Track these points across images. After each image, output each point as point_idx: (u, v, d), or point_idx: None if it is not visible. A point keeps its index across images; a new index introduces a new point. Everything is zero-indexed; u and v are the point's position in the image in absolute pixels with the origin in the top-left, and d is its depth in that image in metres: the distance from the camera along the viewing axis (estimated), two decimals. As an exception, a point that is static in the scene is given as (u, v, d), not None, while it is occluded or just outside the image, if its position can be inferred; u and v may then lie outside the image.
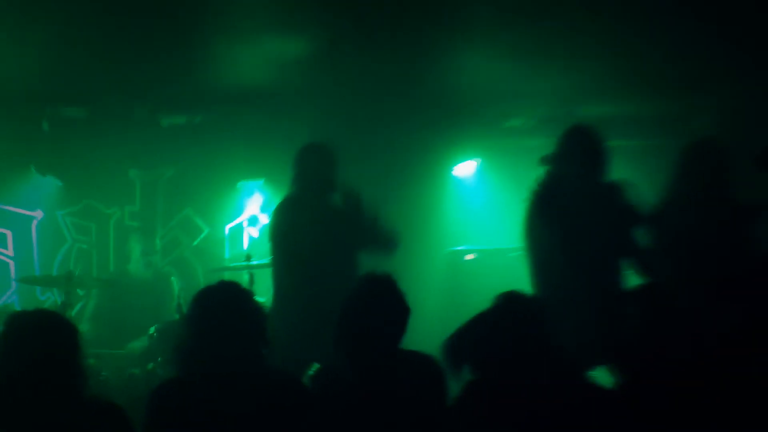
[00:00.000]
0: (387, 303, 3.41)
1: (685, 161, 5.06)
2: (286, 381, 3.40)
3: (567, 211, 4.69)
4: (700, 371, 3.20)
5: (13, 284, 7.63)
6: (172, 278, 7.65)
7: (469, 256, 7.90)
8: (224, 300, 3.35)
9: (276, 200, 7.61)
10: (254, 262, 6.53)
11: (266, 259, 6.65)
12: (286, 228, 5.25)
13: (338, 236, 5.14)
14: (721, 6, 5.29)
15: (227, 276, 6.74)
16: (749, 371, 3.10)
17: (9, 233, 7.82)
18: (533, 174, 5.02)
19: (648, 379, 3.23)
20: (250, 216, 8.27)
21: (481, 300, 3.31)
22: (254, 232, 8.24)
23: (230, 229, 8.30)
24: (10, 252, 7.82)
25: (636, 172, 4.92)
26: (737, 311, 3.41)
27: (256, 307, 3.42)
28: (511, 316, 3.30)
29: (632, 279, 4.60)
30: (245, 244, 8.13)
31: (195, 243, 8.22)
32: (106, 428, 3.05)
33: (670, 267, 4.68)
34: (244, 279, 6.26)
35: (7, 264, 7.78)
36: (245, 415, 3.14)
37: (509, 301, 3.34)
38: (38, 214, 7.87)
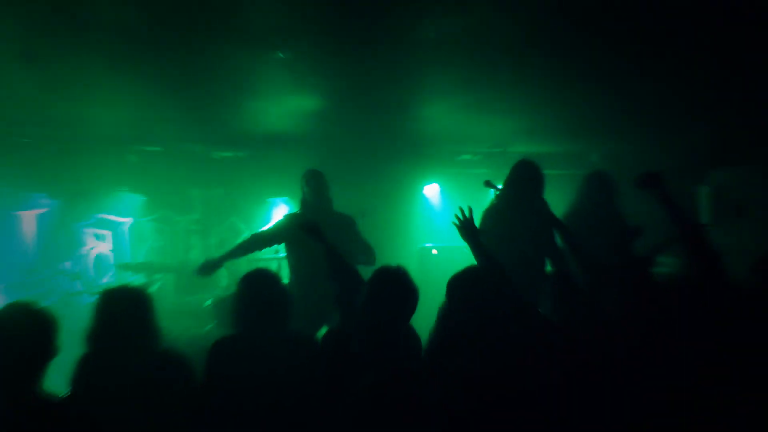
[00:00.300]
0: (408, 289, 3.20)
1: (584, 186, 5.10)
2: (303, 339, 3.34)
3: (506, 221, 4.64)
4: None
5: (112, 269, 7.60)
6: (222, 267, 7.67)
7: (434, 251, 7.90)
8: (261, 281, 3.34)
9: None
10: (280, 255, 6.39)
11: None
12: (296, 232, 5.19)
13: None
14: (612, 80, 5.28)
15: (262, 264, 6.86)
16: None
17: (109, 233, 7.79)
18: (477, 192, 5.07)
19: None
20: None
21: (442, 281, 3.23)
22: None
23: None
24: (110, 247, 7.80)
25: (553, 194, 4.76)
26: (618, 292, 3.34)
27: (283, 287, 3.40)
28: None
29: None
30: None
31: (239, 241, 8.11)
32: (174, 372, 3.03)
33: (574, 261, 4.61)
34: (273, 267, 6.27)
35: (108, 255, 7.74)
36: (276, 362, 3.10)
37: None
38: (129, 220, 7.87)
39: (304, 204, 5.18)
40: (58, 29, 3.93)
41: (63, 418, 2.15)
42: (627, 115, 6.25)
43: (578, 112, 6.22)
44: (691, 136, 6.72)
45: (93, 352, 2.96)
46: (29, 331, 2.17)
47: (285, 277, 6.40)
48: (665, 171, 6.00)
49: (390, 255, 5.24)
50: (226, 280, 7.00)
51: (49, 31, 3.95)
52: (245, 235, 8.03)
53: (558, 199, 4.76)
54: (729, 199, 6.03)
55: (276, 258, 6.50)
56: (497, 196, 4.72)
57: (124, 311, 2.95)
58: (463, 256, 6.92)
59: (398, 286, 3.16)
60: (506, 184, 4.68)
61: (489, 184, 4.76)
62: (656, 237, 4.23)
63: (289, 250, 5.22)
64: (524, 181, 4.61)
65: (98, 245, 7.70)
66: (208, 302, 6.53)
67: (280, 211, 8.15)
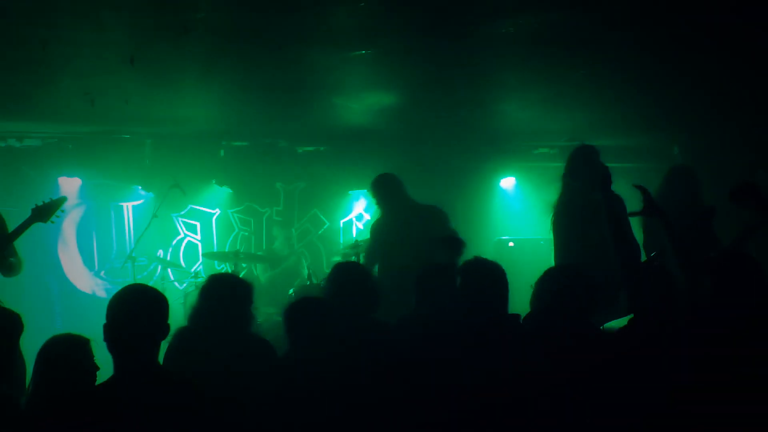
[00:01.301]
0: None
1: (669, 179, 5.00)
2: (384, 326, 3.42)
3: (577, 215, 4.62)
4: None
5: (200, 258, 7.79)
6: (302, 258, 7.85)
7: (511, 243, 7.85)
8: (350, 271, 3.53)
9: (374, 205, 7.91)
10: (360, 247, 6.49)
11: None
12: (381, 227, 5.37)
13: (417, 235, 5.11)
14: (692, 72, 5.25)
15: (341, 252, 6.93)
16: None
17: (198, 224, 7.96)
18: (554, 186, 5.09)
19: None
20: (357, 214, 8.32)
21: (518, 272, 3.34)
22: (360, 225, 8.29)
23: (344, 223, 8.32)
24: (198, 236, 7.97)
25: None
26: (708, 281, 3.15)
27: (369, 276, 3.55)
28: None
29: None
30: (354, 233, 8.13)
31: (320, 232, 8.22)
32: (261, 354, 3.18)
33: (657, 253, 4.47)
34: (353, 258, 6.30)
35: (196, 245, 7.94)
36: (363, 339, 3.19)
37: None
38: (216, 211, 7.99)
39: (384, 207, 5.36)
40: (159, 36, 4.24)
41: (178, 388, 2.33)
42: (710, 107, 6.13)
43: (658, 104, 6.12)
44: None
45: (192, 328, 3.16)
46: (150, 309, 2.32)
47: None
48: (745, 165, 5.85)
49: (467, 247, 5.40)
50: (307, 269, 7.20)
51: (151, 38, 4.27)
52: (326, 225, 8.29)
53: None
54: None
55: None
56: (563, 190, 4.73)
57: (227, 294, 3.15)
58: (539, 249, 7.02)
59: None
60: (567, 174, 4.70)
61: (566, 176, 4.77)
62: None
63: (382, 250, 5.37)
64: (582, 167, 4.61)
65: (189, 235, 8.00)
66: (291, 291, 6.69)
67: (359, 204, 8.30)
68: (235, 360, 3.03)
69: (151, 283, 7.31)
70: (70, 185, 7.39)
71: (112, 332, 2.28)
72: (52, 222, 4.16)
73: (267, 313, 6.48)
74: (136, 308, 2.30)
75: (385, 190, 5.34)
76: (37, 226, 4.29)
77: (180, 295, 6.81)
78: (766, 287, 2.62)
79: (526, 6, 3.96)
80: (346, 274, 3.51)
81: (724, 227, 4.43)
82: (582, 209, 4.64)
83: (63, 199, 4.18)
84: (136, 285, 2.56)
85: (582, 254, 4.59)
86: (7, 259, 4.10)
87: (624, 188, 4.40)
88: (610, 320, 4.03)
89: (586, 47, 4.59)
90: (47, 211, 4.08)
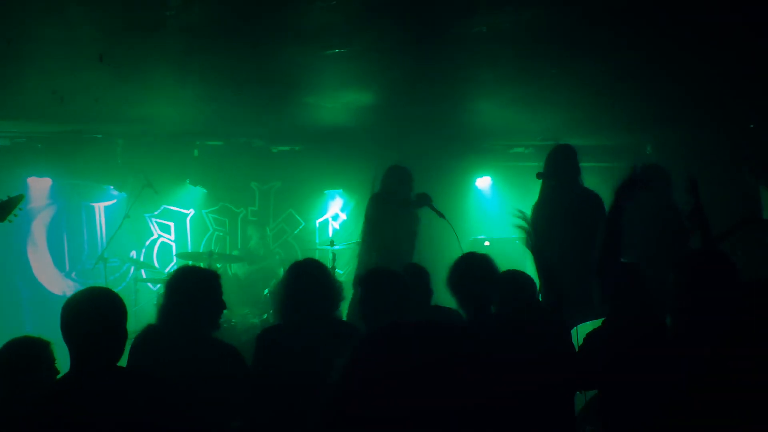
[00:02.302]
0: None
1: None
2: (349, 327, 3.33)
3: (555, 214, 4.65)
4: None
5: (174, 258, 7.70)
6: (278, 257, 7.77)
7: (487, 243, 7.81)
8: (310, 270, 3.34)
9: (351, 204, 7.89)
10: (336, 246, 6.56)
11: (345, 244, 6.87)
12: (374, 220, 5.33)
13: (407, 228, 5.24)
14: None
15: (318, 255, 6.94)
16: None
17: (172, 224, 7.91)
18: (529, 185, 5.10)
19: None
20: (333, 214, 8.28)
21: None
22: (336, 225, 8.26)
23: (319, 222, 8.28)
24: (172, 237, 7.92)
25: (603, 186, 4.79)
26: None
27: (332, 277, 3.42)
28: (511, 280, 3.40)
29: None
30: (330, 233, 8.08)
31: (296, 232, 8.19)
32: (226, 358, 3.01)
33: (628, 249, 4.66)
34: (329, 257, 6.31)
35: (170, 245, 7.89)
36: (324, 345, 3.00)
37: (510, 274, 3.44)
38: (191, 211, 7.95)
39: (388, 191, 5.37)
40: (129, 33, 4.19)
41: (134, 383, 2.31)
42: (681, 106, 6.20)
43: (631, 104, 6.19)
44: (747, 130, 6.60)
45: (159, 326, 3.05)
46: (105, 311, 2.31)
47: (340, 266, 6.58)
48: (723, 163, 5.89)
49: (443, 246, 5.40)
50: (282, 270, 7.15)
51: (121, 35, 4.22)
52: (301, 225, 8.26)
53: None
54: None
55: (330, 249, 6.58)
56: (541, 188, 4.75)
57: (195, 287, 3.05)
58: (514, 248, 7.02)
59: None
60: (546, 173, 4.72)
61: (541, 175, 4.81)
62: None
63: (378, 228, 5.35)
64: (561, 163, 4.64)
65: (162, 235, 7.92)
66: (266, 291, 6.68)
67: (335, 204, 8.27)
68: (199, 361, 2.91)
69: (123, 284, 7.30)
70: (40, 185, 7.31)
71: (66, 332, 2.29)
72: (10, 221, 4.04)
73: (241, 314, 6.47)
74: (88, 309, 2.30)
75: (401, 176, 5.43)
76: (3, 228, 4.20)
77: (153, 296, 6.72)
78: (737, 284, 2.62)
79: (498, 5, 3.96)
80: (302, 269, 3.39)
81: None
82: (559, 208, 4.66)
83: (20, 197, 4.05)
84: (92, 288, 2.51)
85: (558, 253, 4.63)
86: None
87: (599, 187, 4.50)
88: (585, 321, 4.07)
89: (558, 47, 4.62)
90: (5, 208, 3.97)
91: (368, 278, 3.10)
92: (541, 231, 4.72)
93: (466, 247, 7.58)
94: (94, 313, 2.29)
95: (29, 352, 2.77)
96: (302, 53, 4.70)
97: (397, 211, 5.26)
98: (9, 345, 2.80)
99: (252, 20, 4.11)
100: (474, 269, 3.41)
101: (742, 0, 3.88)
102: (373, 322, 2.92)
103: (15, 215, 4.03)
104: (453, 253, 4.08)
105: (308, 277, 3.27)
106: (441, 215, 5.39)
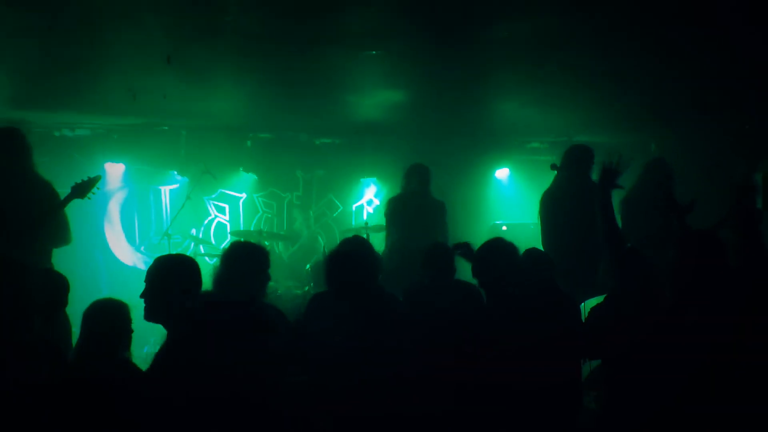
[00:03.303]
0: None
1: (645, 171, 5.04)
2: (389, 296, 3.38)
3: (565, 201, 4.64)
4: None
5: (229, 236, 7.75)
6: (319, 237, 7.91)
7: (504, 227, 7.81)
8: (356, 245, 3.51)
9: (384, 191, 7.90)
10: (369, 227, 6.63)
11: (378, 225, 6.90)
12: (396, 211, 5.40)
13: (425, 221, 5.25)
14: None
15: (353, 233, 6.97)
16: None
17: (227, 206, 7.96)
18: (544, 177, 5.09)
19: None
20: (367, 199, 8.29)
21: None
22: (370, 209, 8.29)
23: (356, 207, 8.29)
24: (227, 217, 7.97)
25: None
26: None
27: (373, 252, 3.53)
28: (531, 260, 3.45)
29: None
30: (365, 216, 8.10)
31: (335, 215, 8.20)
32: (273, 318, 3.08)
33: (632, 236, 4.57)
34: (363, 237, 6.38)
35: (225, 224, 7.94)
36: (367, 315, 3.07)
37: (529, 253, 3.50)
38: (243, 195, 7.98)
39: (409, 189, 5.38)
40: (193, 37, 4.24)
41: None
42: (681, 108, 6.09)
43: (636, 105, 6.09)
44: (743, 127, 6.43)
45: (215, 292, 3.09)
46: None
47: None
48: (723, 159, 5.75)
49: (466, 230, 5.42)
50: (323, 247, 7.23)
51: (186, 39, 4.27)
52: (340, 209, 8.31)
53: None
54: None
55: (365, 229, 6.63)
56: (554, 180, 4.71)
57: (245, 260, 3.14)
58: (529, 232, 6.99)
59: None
60: (561, 166, 4.71)
61: (555, 166, 4.79)
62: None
63: (394, 225, 5.41)
64: (575, 158, 4.64)
65: (218, 216, 8.01)
66: (308, 266, 6.73)
67: (370, 190, 8.29)
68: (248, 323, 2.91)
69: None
70: (115, 170, 7.43)
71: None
72: (89, 198, 4.14)
73: (286, 286, 6.60)
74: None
75: (411, 178, 5.38)
76: (85, 207, 4.33)
77: (210, 268, 6.81)
78: (727, 266, 2.60)
79: (519, 12, 3.92)
80: (350, 245, 3.47)
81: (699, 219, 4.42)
82: (569, 197, 4.64)
83: (98, 178, 4.17)
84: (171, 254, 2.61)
85: (567, 237, 4.61)
86: (56, 229, 4.13)
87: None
88: (590, 298, 4.05)
89: (572, 52, 4.56)
90: (84, 188, 4.08)
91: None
92: (550, 215, 4.76)
93: (486, 232, 7.74)
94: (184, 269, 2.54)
95: (111, 310, 2.85)
96: (343, 55, 4.70)
97: (413, 206, 5.26)
98: (95, 304, 2.90)
99: (299, 26, 4.13)
100: (496, 255, 3.38)
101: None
102: None
103: (93, 193, 4.15)
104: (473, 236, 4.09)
105: (353, 252, 3.34)
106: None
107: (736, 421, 2.28)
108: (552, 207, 4.77)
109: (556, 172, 4.77)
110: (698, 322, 2.36)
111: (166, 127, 7.42)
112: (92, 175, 4.15)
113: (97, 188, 4.14)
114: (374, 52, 4.63)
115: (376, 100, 6.21)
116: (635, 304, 3.05)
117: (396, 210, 5.38)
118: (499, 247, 3.42)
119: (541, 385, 2.88)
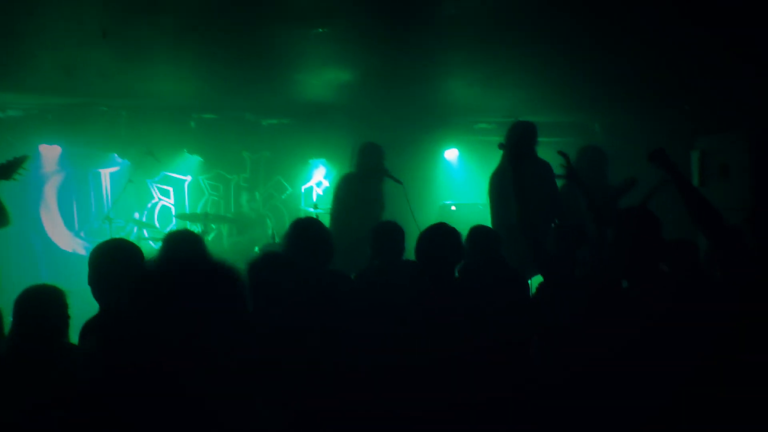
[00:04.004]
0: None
1: (579, 157, 5.07)
2: (340, 276, 3.42)
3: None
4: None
5: (174, 219, 7.69)
6: (267, 220, 7.79)
7: (453, 207, 7.91)
8: (307, 226, 3.45)
9: (334, 173, 7.84)
10: (319, 210, 6.61)
11: (325, 208, 6.86)
12: (345, 192, 5.35)
13: (373, 201, 5.24)
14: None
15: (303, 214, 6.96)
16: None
17: (171, 189, 7.85)
18: (492, 157, 5.13)
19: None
20: (317, 181, 8.28)
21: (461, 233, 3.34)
22: (319, 191, 8.27)
23: (305, 188, 8.27)
24: (172, 200, 7.86)
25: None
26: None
27: (325, 231, 3.47)
28: (479, 236, 3.50)
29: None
30: (314, 198, 8.07)
31: (283, 197, 8.17)
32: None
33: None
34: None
35: (169, 208, 7.83)
36: (317, 291, 3.07)
37: (477, 229, 3.55)
38: (188, 177, 7.88)
39: (363, 167, 5.35)
40: (129, 12, 4.04)
41: None
42: (624, 89, 6.19)
43: (581, 86, 6.17)
44: (681, 107, 6.66)
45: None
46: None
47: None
48: (659, 138, 5.99)
49: (415, 211, 5.42)
50: (271, 230, 7.15)
51: (124, 13, 4.07)
52: (288, 191, 8.23)
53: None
54: (714, 163, 6.00)
55: (314, 212, 6.59)
56: (502, 158, 4.75)
57: (182, 248, 3.07)
58: (478, 212, 7.07)
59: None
60: (506, 144, 4.72)
61: (502, 146, 4.81)
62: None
63: (342, 205, 5.37)
64: (519, 136, 4.65)
65: (162, 199, 7.86)
66: (257, 249, 6.66)
67: (319, 171, 8.23)
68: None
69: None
70: (50, 152, 7.15)
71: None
72: (15, 179, 3.92)
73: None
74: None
75: (363, 157, 5.37)
76: (19, 192, 4.11)
77: (154, 252, 6.66)
78: (661, 239, 2.70)
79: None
80: (303, 228, 3.43)
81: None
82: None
83: (24, 158, 3.94)
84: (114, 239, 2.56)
85: (513, 215, 4.66)
86: None
87: (552, 157, 4.53)
88: (537, 275, 4.13)
89: (518, 30, 4.58)
90: (9, 169, 3.86)
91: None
92: (499, 195, 4.81)
93: (436, 212, 7.81)
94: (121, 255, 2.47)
95: (45, 297, 2.73)
96: (288, 33, 4.59)
97: (363, 186, 5.25)
98: (27, 291, 2.76)
99: (242, 1, 4.00)
100: (440, 239, 3.31)
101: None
102: None
103: (20, 174, 3.92)
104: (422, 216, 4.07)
105: (311, 232, 3.33)
106: (398, 181, 5.40)
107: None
108: (499, 186, 4.79)
109: (503, 151, 4.79)
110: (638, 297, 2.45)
111: (105, 108, 7.15)
112: (18, 155, 3.93)
113: (23, 168, 3.93)
114: (321, 30, 4.54)
115: (323, 79, 6.12)
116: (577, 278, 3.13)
117: (348, 189, 5.34)
118: (441, 232, 3.37)
119: (494, 358, 2.92)
